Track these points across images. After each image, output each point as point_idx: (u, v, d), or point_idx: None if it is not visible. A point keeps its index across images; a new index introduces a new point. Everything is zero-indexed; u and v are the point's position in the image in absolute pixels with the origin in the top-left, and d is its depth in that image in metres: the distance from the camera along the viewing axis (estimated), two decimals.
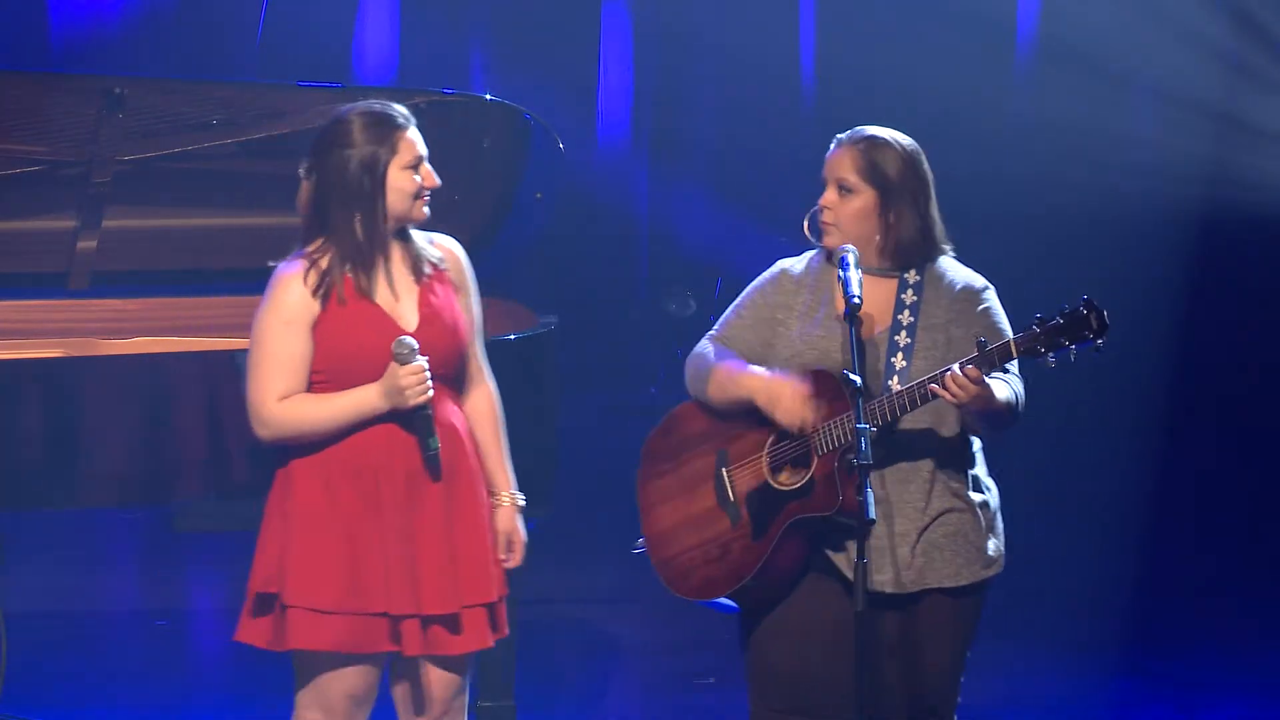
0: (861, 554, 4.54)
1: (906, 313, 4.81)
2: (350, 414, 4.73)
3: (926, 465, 4.80)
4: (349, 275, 4.77)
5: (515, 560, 4.92)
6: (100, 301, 6.61)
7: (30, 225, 6.38)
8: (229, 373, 5.88)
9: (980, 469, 4.88)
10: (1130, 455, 9.74)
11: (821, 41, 10.20)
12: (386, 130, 4.78)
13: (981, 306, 4.84)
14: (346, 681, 4.80)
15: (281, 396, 4.74)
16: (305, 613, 4.72)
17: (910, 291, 4.82)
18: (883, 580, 4.76)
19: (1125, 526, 9.63)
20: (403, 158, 4.76)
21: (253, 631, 4.80)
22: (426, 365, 4.70)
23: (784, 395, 4.72)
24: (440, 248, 4.92)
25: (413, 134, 4.79)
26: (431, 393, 4.69)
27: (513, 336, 6.37)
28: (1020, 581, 9.13)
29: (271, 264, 4.88)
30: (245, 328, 6.52)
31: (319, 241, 4.80)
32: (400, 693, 4.92)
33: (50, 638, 8.28)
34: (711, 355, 4.89)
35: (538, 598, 7.83)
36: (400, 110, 4.83)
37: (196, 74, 8.36)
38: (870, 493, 4.49)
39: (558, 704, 7.49)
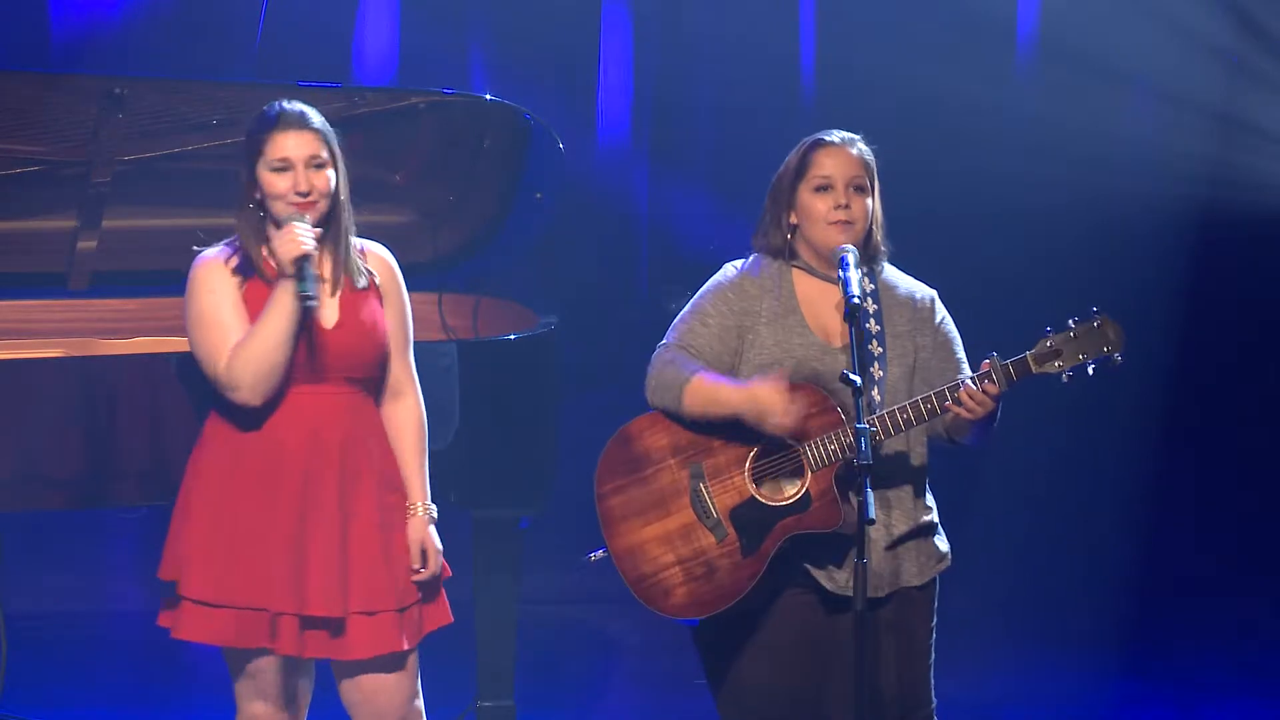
0: (861, 554, 4.55)
1: (873, 321, 4.82)
2: (275, 312, 4.69)
3: (892, 471, 4.82)
4: (269, 264, 4.79)
5: (431, 569, 4.88)
6: (100, 301, 6.61)
7: (30, 225, 6.38)
8: None
9: (927, 476, 4.93)
10: (1130, 455, 9.74)
11: (821, 41, 10.19)
12: (260, 128, 4.78)
13: (939, 318, 4.90)
14: (272, 666, 4.84)
15: (229, 358, 4.74)
16: (195, 606, 4.77)
17: (870, 300, 4.83)
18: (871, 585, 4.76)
19: (1125, 526, 9.63)
20: (268, 158, 4.76)
21: (166, 617, 4.86)
22: (302, 223, 4.69)
23: (773, 406, 4.68)
24: (370, 255, 4.93)
25: (284, 134, 4.76)
26: (306, 247, 4.68)
27: (513, 336, 6.38)
28: (1021, 581, 9.14)
29: (196, 248, 4.90)
30: None
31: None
32: (347, 701, 4.95)
33: (50, 638, 8.28)
34: (681, 367, 4.82)
35: (538, 598, 7.83)
36: (287, 109, 4.80)
37: (196, 74, 8.35)
38: (870, 493, 4.49)
39: (558, 704, 7.49)
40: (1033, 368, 4.63)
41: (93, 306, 6.61)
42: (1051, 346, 4.62)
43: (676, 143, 10.44)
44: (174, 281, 6.67)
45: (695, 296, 4.94)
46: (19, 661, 6.28)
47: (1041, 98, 9.78)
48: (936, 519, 4.93)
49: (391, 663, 4.85)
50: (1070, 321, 4.65)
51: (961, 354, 4.88)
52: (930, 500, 4.93)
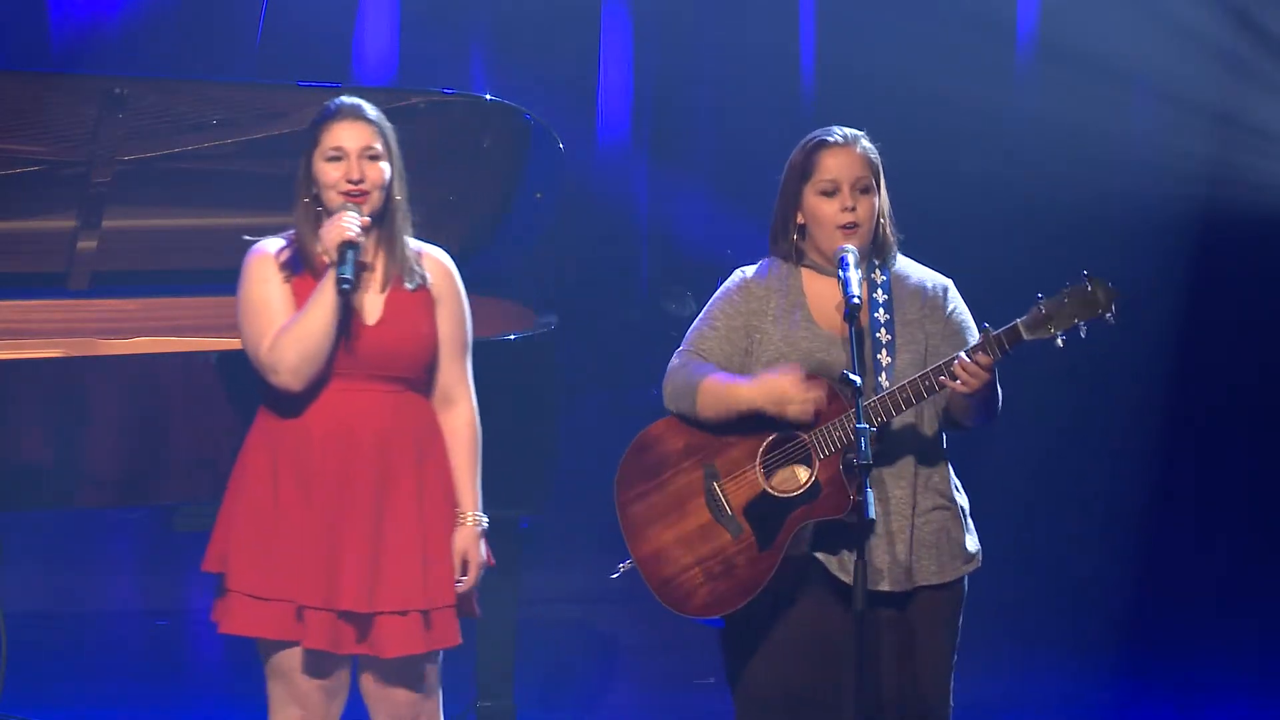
0: (862, 554, 4.56)
1: (881, 310, 4.83)
2: (320, 298, 4.73)
3: (910, 464, 4.81)
4: (322, 259, 4.80)
5: (468, 582, 4.89)
6: (100, 301, 6.61)
7: (30, 225, 6.38)
8: (228, 373, 5.89)
9: (952, 469, 4.91)
10: (1130, 455, 9.74)
11: (821, 41, 10.19)
12: (318, 119, 4.83)
13: (951, 305, 4.89)
14: (306, 670, 4.81)
15: (272, 341, 4.78)
16: (241, 598, 4.77)
17: (880, 290, 4.84)
18: (881, 580, 4.76)
19: (1125, 527, 9.63)
20: (323, 148, 4.80)
21: (216, 610, 4.84)
22: (352, 214, 4.73)
23: (790, 392, 4.70)
24: (427, 259, 4.94)
25: (339, 125, 4.80)
26: (351, 233, 4.71)
27: (513, 336, 6.37)
28: (1020, 581, 9.15)
29: (248, 238, 4.91)
30: None
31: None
32: (365, 693, 4.94)
33: (50, 638, 8.28)
34: (693, 371, 4.84)
35: (538, 598, 7.83)
36: (344, 102, 4.84)
37: (196, 74, 8.36)
38: (870, 492, 4.50)
39: (558, 704, 7.49)
40: (1024, 334, 4.64)
41: (93, 306, 6.61)
42: (1044, 312, 4.63)
43: (676, 143, 10.44)
44: (174, 281, 6.71)
45: (707, 304, 4.95)
46: (19, 661, 6.28)
47: (1041, 98, 9.79)
48: (965, 515, 4.89)
49: (413, 662, 4.85)
50: (1063, 287, 4.66)
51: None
52: (956, 494, 4.89)
